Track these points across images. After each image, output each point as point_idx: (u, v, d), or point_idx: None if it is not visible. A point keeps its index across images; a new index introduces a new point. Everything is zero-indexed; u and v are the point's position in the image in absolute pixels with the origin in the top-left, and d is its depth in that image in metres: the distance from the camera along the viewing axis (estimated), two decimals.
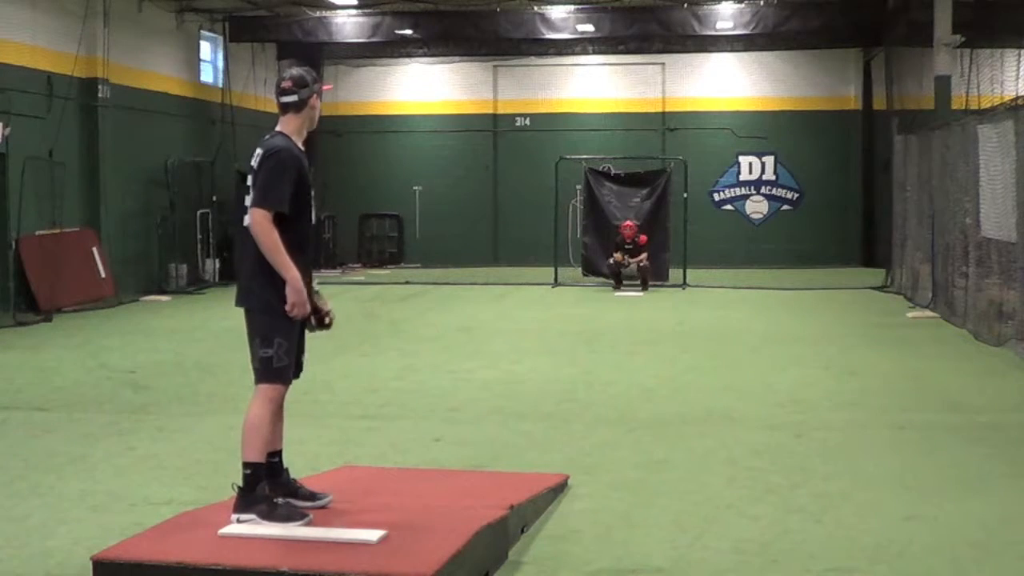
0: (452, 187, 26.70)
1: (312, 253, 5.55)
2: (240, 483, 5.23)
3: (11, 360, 12.21)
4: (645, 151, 24.79)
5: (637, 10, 22.58)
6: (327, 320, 5.50)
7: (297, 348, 5.44)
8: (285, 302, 5.20)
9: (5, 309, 15.93)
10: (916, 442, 8.02)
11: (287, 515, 5.20)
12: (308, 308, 5.28)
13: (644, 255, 20.09)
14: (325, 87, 5.66)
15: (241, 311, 5.36)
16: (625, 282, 20.16)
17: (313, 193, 5.54)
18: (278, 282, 5.20)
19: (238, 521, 5.15)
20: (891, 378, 10.80)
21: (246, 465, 5.23)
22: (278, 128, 5.46)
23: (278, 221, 5.20)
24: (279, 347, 5.23)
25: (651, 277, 20.26)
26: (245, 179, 5.46)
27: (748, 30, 22.58)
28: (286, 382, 5.32)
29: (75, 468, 7.29)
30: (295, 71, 5.51)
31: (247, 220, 5.23)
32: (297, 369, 5.49)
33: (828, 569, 5.29)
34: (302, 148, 5.47)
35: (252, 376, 5.33)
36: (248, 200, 5.26)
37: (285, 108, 5.46)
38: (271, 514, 5.17)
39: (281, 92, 5.47)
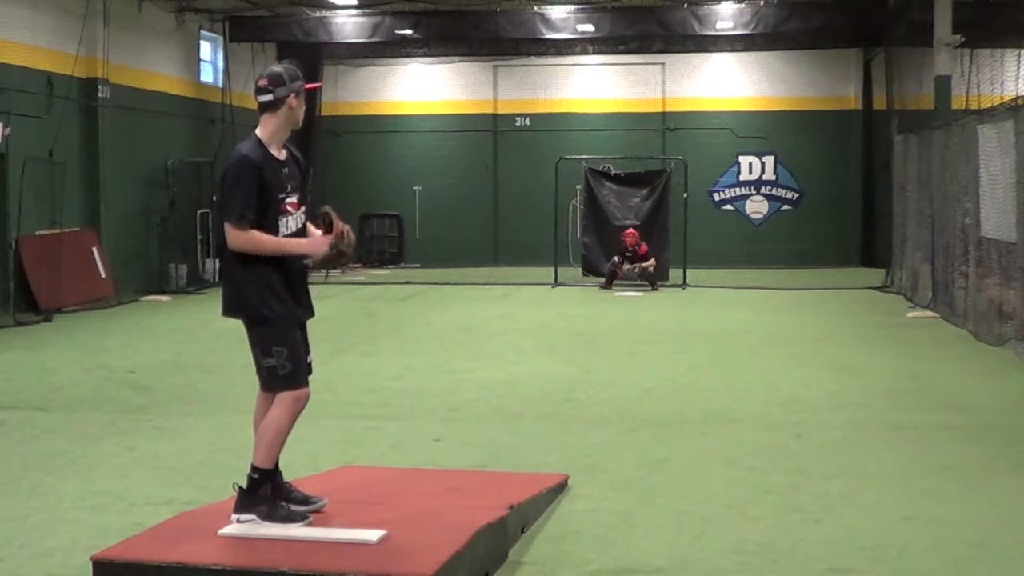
0: (452, 187, 26.68)
1: (298, 261, 5.32)
2: (241, 483, 5.22)
3: (11, 360, 12.20)
4: (645, 151, 24.77)
5: (637, 10, 22.57)
6: (344, 244, 5.22)
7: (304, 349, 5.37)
8: (273, 310, 5.12)
9: (5, 309, 15.93)
10: (916, 442, 8.02)
11: (287, 516, 5.18)
12: (326, 249, 5.19)
13: (652, 261, 20.14)
14: (312, 85, 5.37)
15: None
16: (618, 283, 20.24)
17: (297, 198, 5.27)
18: (264, 290, 5.12)
19: (238, 521, 5.14)
20: (891, 378, 10.80)
21: (255, 469, 5.18)
22: (256, 129, 5.24)
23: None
24: (279, 355, 5.13)
25: (658, 277, 20.32)
26: None
27: (748, 30, 22.57)
28: (301, 385, 5.20)
29: (75, 468, 7.29)
30: (275, 68, 5.26)
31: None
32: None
33: (828, 569, 5.29)
34: (282, 150, 5.24)
35: (253, 376, 5.31)
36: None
37: (261, 108, 5.21)
38: (271, 516, 5.16)
39: (257, 90, 5.22)
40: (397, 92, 27.06)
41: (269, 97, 5.17)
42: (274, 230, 5.17)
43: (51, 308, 16.25)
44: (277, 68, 5.27)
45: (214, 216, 21.65)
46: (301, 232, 5.33)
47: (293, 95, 5.18)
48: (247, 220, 5.06)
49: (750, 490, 6.68)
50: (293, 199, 5.24)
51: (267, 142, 5.20)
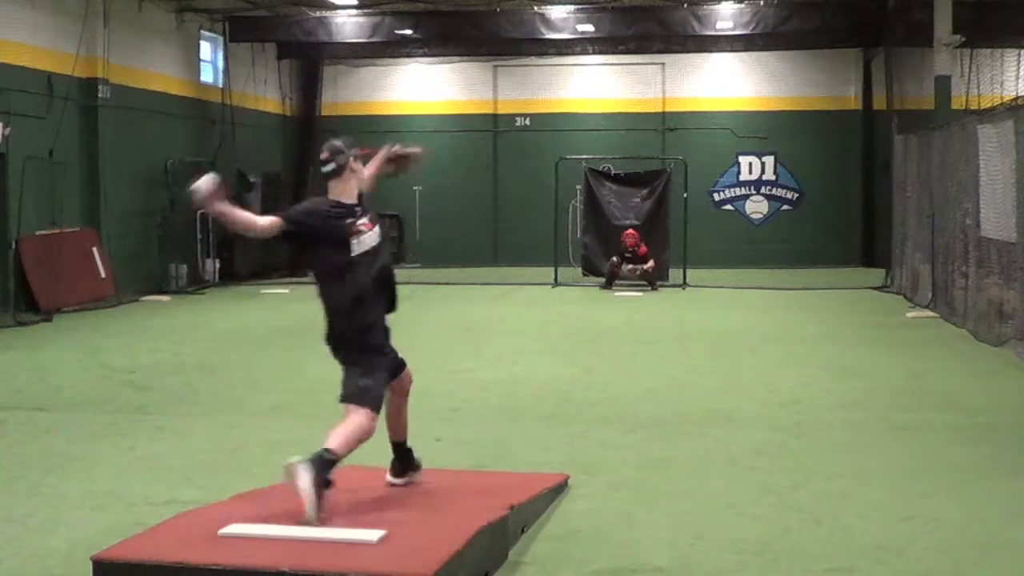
0: (452, 187, 26.67)
1: (377, 305, 6.01)
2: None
3: (11, 360, 12.20)
4: (645, 151, 24.77)
5: (637, 10, 22.56)
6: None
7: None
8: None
9: (5, 309, 15.92)
10: (916, 442, 8.02)
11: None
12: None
13: (651, 263, 20.20)
14: (362, 151, 6.02)
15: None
16: (618, 283, 20.26)
17: (368, 218, 5.81)
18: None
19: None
20: (891, 378, 10.80)
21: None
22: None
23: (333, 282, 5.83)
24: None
25: (657, 278, 20.35)
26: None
27: (748, 30, 22.55)
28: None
29: (75, 468, 7.29)
30: (332, 142, 5.91)
31: None
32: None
33: (828, 569, 5.29)
34: (354, 203, 5.81)
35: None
36: None
37: (326, 177, 5.83)
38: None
39: (320, 163, 5.84)
40: (397, 92, 27.07)
41: (332, 166, 5.81)
42: (347, 250, 5.73)
43: (51, 308, 16.25)
44: (333, 142, 5.92)
45: (214, 216, 21.62)
46: (378, 248, 5.88)
47: (352, 159, 5.86)
48: (279, 215, 5.80)
49: (750, 490, 6.67)
50: (364, 220, 5.80)
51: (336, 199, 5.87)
